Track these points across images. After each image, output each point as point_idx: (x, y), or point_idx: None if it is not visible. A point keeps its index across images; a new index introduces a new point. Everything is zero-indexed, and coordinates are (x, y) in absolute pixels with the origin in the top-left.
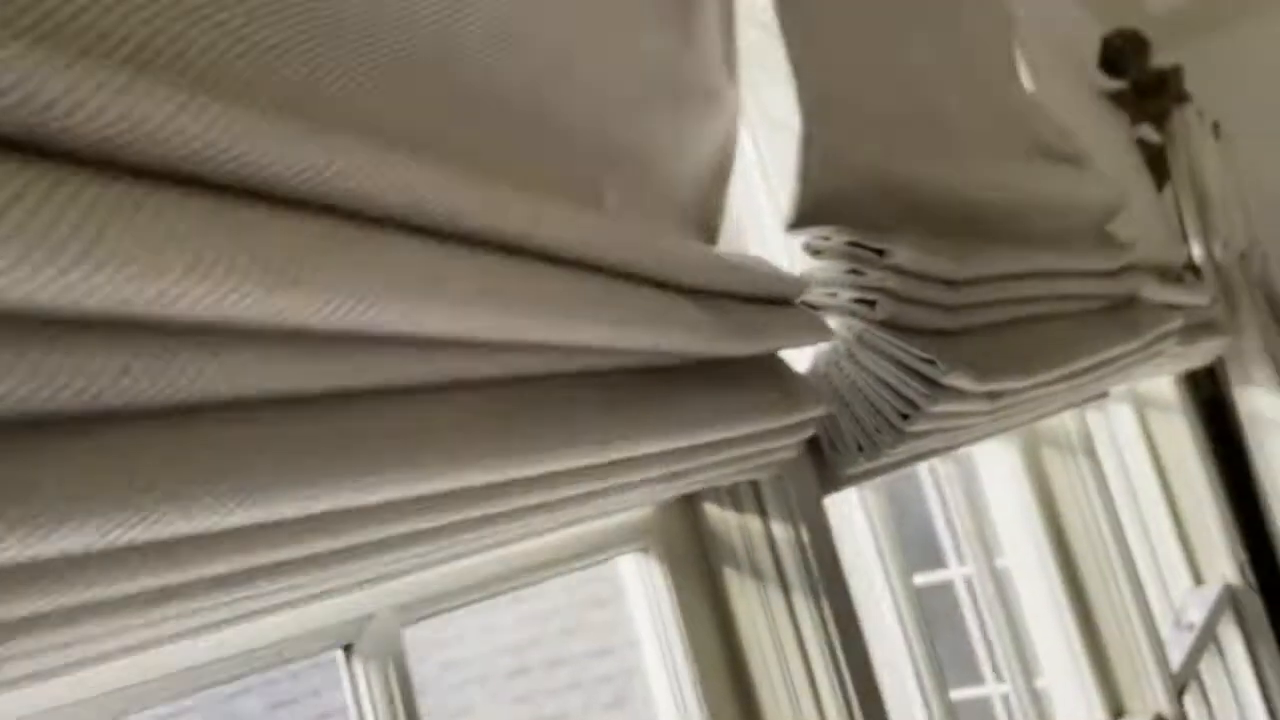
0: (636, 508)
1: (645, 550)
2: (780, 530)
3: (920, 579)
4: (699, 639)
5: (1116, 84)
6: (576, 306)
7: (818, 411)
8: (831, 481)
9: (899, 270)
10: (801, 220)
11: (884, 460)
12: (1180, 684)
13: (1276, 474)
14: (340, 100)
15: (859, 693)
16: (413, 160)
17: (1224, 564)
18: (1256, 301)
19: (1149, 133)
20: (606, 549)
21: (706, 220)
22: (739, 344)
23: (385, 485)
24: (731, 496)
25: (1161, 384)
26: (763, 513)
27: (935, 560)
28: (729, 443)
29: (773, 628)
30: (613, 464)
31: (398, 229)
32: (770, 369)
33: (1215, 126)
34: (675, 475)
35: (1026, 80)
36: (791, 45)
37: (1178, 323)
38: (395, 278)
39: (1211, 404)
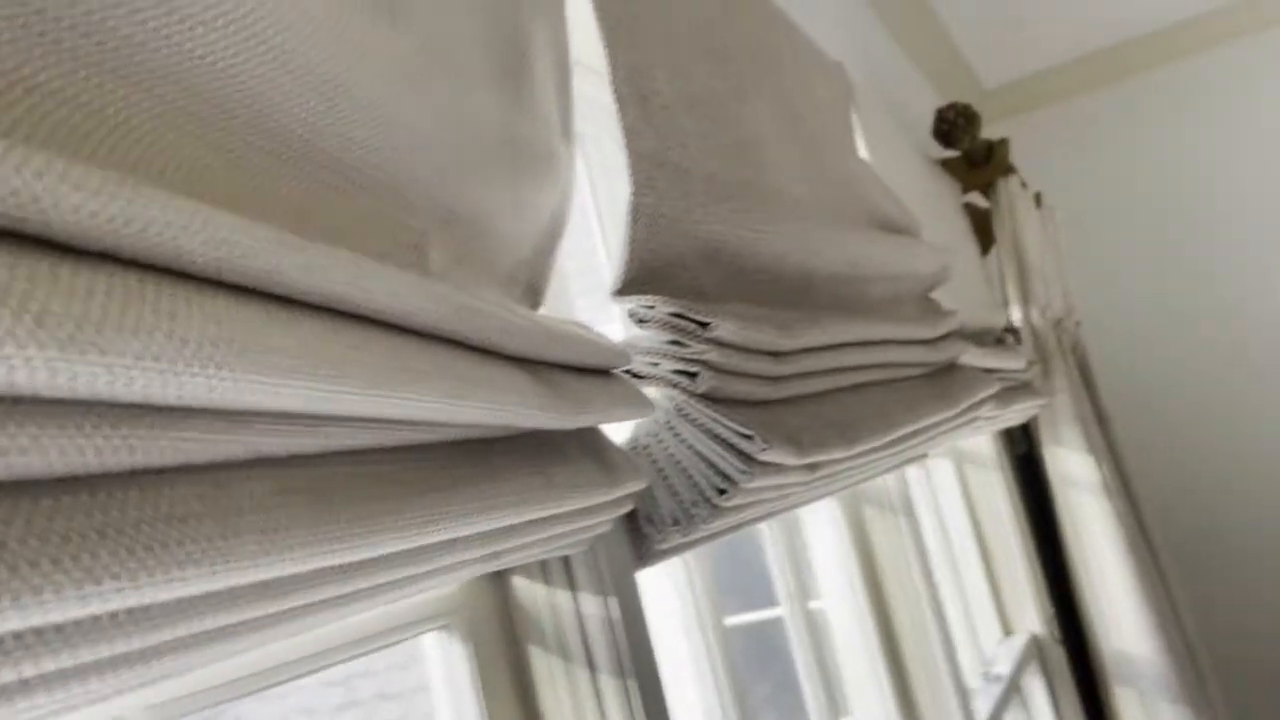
0: (445, 587)
1: (447, 628)
2: (590, 606)
3: (752, 616)
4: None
5: (949, 153)
6: (401, 375)
7: (637, 486)
8: (645, 556)
9: (721, 343)
10: (628, 287)
11: (700, 534)
12: None
13: (1081, 531)
14: (150, 148)
15: None
16: (226, 213)
17: (1031, 616)
18: (1069, 366)
19: (978, 199)
20: (405, 628)
21: (534, 284)
22: (568, 416)
23: (175, 581)
24: (541, 570)
25: (980, 441)
26: (572, 587)
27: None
28: (549, 520)
29: (578, 710)
30: (433, 546)
31: (208, 285)
32: (590, 442)
33: (1038, 197)
34: (494, 555)
35: (863, 147)
36: (625, 111)
37: (994, 388)
38: (202, 340)
39: (1027, 460)
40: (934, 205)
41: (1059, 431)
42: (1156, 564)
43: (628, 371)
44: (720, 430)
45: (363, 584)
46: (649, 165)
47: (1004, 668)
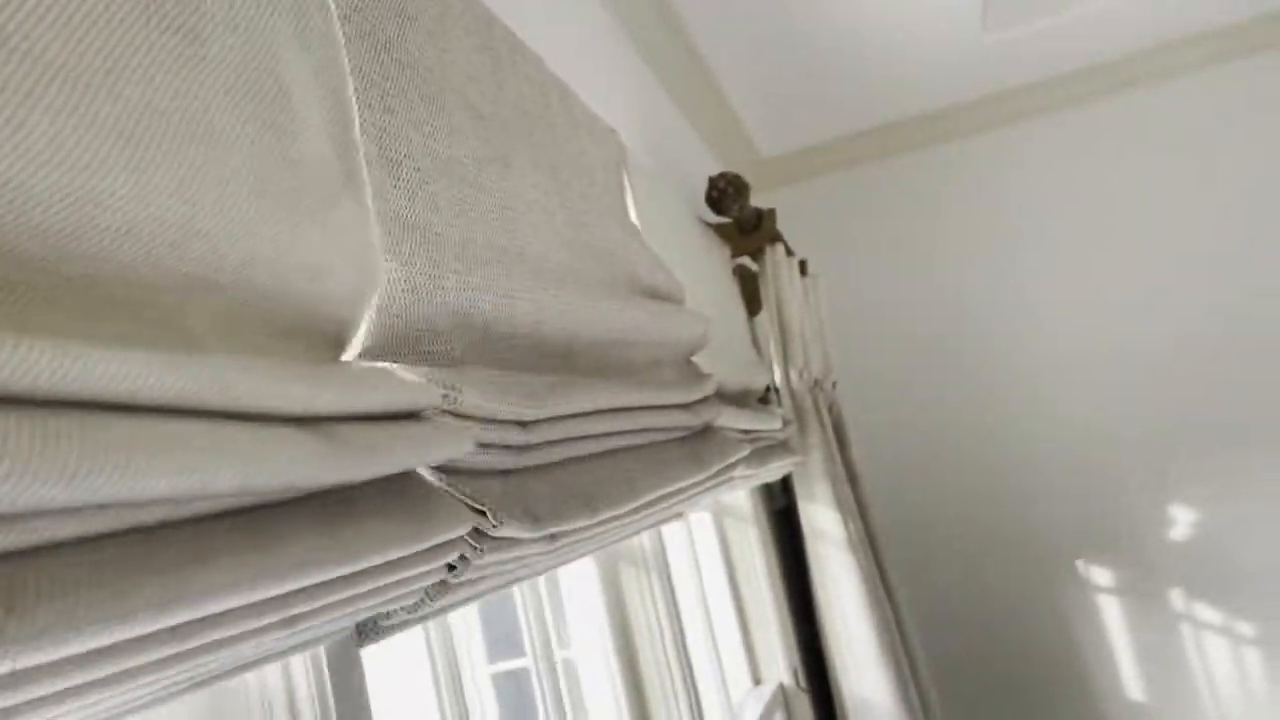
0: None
1: None
2: (304, 690)
3: (504, 665)
4: None
5: (721, 219)
6: (119, 457)
7: (452, 534)
8: (369, 633)
9: (461, 415)
10: (368, 353)
11: (430, 611)
12: None
13: (830, 586)
14: None
15: None
16: None
17: (780, 666)
18: (825, 426)
19: (749, 262)
20: None
21: (338, 336)
22: (351, 469)
23: None
24: None
25: (739, 495)
26: (283, 667)
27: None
28: (348, 580)
29: None
30: (206, 619)
31: None
32: (398, 492)
33: (803, 265)
34: (289, 620)
35: (634, 212)
36: (373, 173)
37: (746, 451)
38: None
39: (786, 514)
40: (704, 268)
41: (812, 488)
42: (896, 616)
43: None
44: None
45: (111, 669)
46: (398, 228)
47: (751, 715)
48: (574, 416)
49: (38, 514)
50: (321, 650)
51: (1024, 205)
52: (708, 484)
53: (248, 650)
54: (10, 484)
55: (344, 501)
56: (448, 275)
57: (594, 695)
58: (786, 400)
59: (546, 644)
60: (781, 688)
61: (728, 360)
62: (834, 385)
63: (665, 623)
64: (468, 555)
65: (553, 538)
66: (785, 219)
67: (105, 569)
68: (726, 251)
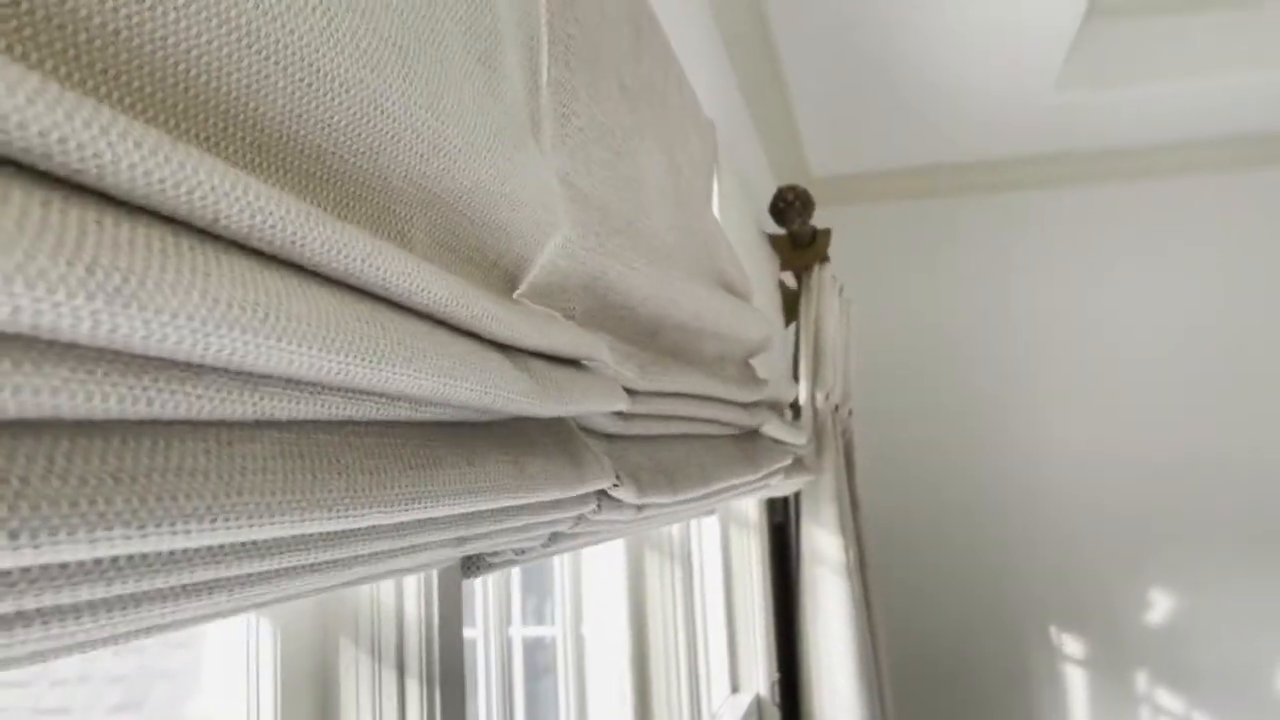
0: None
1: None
2: (412, 607)
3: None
4: (295, 707)
5: (778, 231)
6: (401, 351)
7: (604, 483)
8: (475, 567)
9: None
10: (525, 295)
11: (534, 558)
12: None
13: (819, 607)
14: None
15: None
16: (260, 182)
17: (759, 678)
18: (838, 449)
19: (787, 278)
20: None
21: (514, 274)
22: (549, 404)
23: (179, 533)
24: None
25: (748, 504)
26: (397, 584)
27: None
28: (517, 510)
29: (376, 709)
30: (411, 523)
31: (235, 248)
32: (559, 434)
33: (841, 289)
34: (459, 541)
35: (716, 206)
36: (548, 121)
37: (788, 460)
38: (231, 301)
39: (780, 530)
40: (758, 275)
41: (819, 508)
42: (875, 651)
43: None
44: None
45: (342, 554)
46: (558, 183)
47: None
48: (670, 395)
49: (339, 389)
50: (435, 575)
51: (1048, 271)
52: (755, 485)
53: (422, 559)
54: (337, 355)
55: (521, 435)
56: (590, 236)
57: (600, 673)
58: (809, 419)
59: (577, 615)
60: (758, 699)
61: (769, 371)
62: (850, 413)
63: (681, 614)
64: (587, 511)
65: (640, 509)
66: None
67: (373, 455)
68: (776, 263)
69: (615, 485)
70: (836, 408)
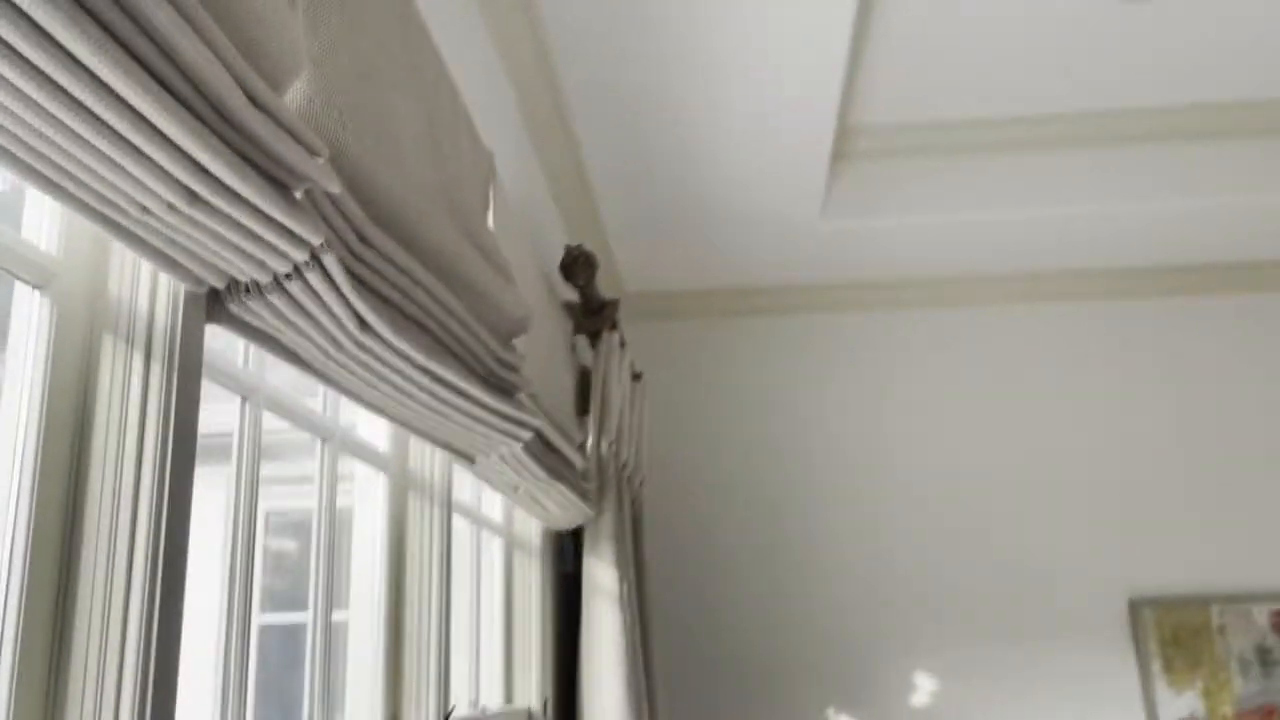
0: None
1: (42, 287)
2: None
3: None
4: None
5: (571, 296)
6: None
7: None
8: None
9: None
10: None
11: (262, 317)
12: None
13: (594, 635)
14: None
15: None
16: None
17: (532, 693)
18: (622, 500)
19: (585, 351)
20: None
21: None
22: None
23: None
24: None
25: (532, 529)
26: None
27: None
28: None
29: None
30: None
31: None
32: None
33: (637, 372)
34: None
35: (491, 221)
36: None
37: (528, 436)
38: None
39: (575, 578)
40: (554, 335)
41: (598, 544)
42: (649, 684)
43: None
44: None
45: None
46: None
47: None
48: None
49: None
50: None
51: (824, 387)
52: (489, 418)
53: None
54: None
55: None
56: (332, 100)
57: (357, 657)
58: (593, 459)
59: (329, 602)
60: (529, 712)
61: (549, 399)
62: (641, 483)
63: (436, 597)
64: (304, 265)
65: (361, 324)
66: (638, 347)
67: None
68: (569, 325)
69: (321, 249)
70: (625, 465)
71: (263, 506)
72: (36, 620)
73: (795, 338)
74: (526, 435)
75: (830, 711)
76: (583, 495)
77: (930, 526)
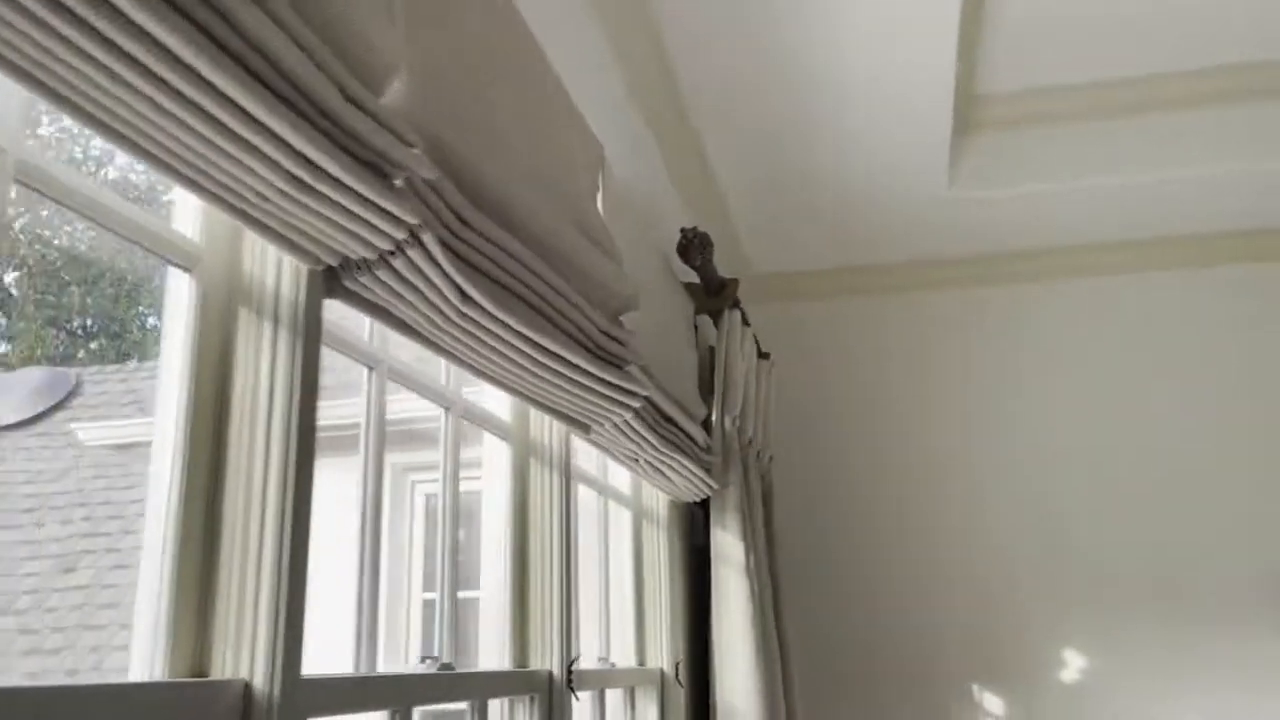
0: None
1: (189, 270)
2: (287, 293)
3: None
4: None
5: (691, 278)
6: None
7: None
8: (333, 290)
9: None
10: None
11: (371, 294)
12: None
13: (723, 602)
14: None
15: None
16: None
17: (663, 657)
18: (748, 474)
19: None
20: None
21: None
22: None
23: None
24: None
25: (659, 502)
26: (277, 283)
27: None
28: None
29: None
30: None
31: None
32: None
33: (765, 355)
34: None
35: (601, 207)
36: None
37: (637, 404)
38: None
39: (702, 552)
40: (660, 301)
41: (725, 516)
42: (781, 641)
43: None
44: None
45: None
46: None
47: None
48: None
49: None
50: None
51: (962, 364)
52: (596, 386)
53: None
54: None
55: None
56: (430, 87)
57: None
58: (717, 436)
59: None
60: (661, 673)
61: (667, 375)
62: (770, 459)
63: (558, 557)
64: (405, 242)
65: (464, 296)
66: (767, 329)
67: None
68: (690, 306)
69: (420, 228)
70: (751, 441)
71: (422, 490)
72: (190, 536)
73: (926, 313)
74: (636, 404)
75: (975, 687)
76: (706, 468)
77: (1080, 501)
